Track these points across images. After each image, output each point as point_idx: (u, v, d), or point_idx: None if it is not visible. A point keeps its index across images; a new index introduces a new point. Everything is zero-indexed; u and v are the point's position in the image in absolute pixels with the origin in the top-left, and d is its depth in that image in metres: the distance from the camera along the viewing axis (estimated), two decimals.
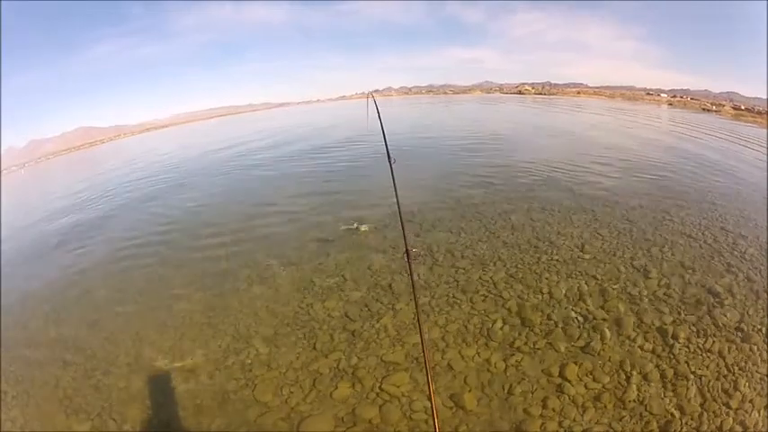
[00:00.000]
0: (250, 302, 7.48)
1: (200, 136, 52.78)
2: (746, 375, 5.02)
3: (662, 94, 64.28)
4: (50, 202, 21.76)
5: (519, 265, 7.77)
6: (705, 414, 4.55)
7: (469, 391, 5.05)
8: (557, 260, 7.86)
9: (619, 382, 5.02)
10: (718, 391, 4.81)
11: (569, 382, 5.06)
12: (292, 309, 7.10)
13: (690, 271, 7.29)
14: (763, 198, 11.16)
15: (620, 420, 4.54)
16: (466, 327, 6.17)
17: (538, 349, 5.64)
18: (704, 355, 5.37)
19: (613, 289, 6.84)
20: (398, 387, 5.19)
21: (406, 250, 2.77)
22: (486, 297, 6.87)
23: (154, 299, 8.15)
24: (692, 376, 5.04)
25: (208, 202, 15.14)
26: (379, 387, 5.21)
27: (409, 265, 2.72)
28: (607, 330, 5.87)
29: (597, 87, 79.71)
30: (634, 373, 5.13)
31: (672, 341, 5.60)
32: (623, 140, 20.99)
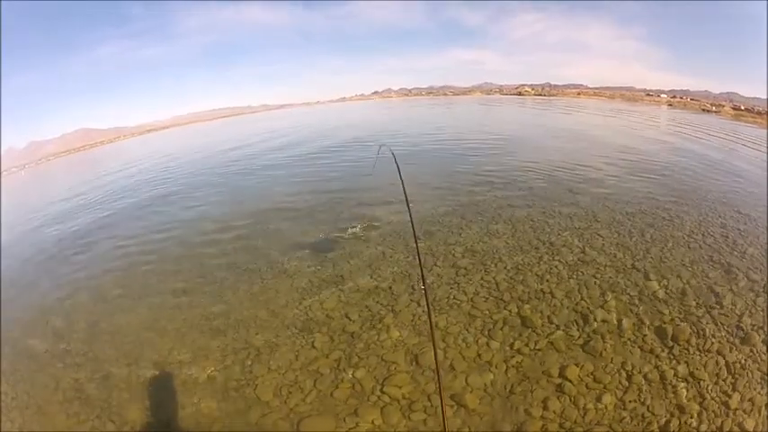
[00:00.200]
0: (251, 303, 7.48)
1: (202, 137, 52.91)
2: (746, 376, 5.02)
3: (662, 95, 64.41)
4: (51, 203, 21.76)
5: (520, 266, 7.77)
6: (705, 414, 4.56)
7: (471, 391, 5.05)
8: (558, 261, 7.86)
9: (620, 383, 5.02)
10: (717, 392, 4.81)
11: (570, 382, 5.06)
12: (292, 309, 7.09)
13: (690, 271, 7.28)
14: (763, 198, 11.16)
15: (621, 421, 4.54)
16: (467, 328, 6.17)
17: (539, 350, 5.63)
18: (704, 355, 5.37)
19: (614, 290, 6.84)
20: (400, 388, 5.19)
21: (422, 276, 2.77)
22: (488, 298, 6.87)
23: (155, 300, 8.14)
24: (691, 377, 5.04)
25: (208, 203, 15.12)
26: (381, 389, 5.21)
27: (425, 292, 2.72)
28: (608, 331, 5.87)
29: (597, 88, 79.98)
30: (635, 373, 5.13)
31: (671, 342, 5.60)
32: (629, 141, 21.07)
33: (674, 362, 5.28)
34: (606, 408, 4.71)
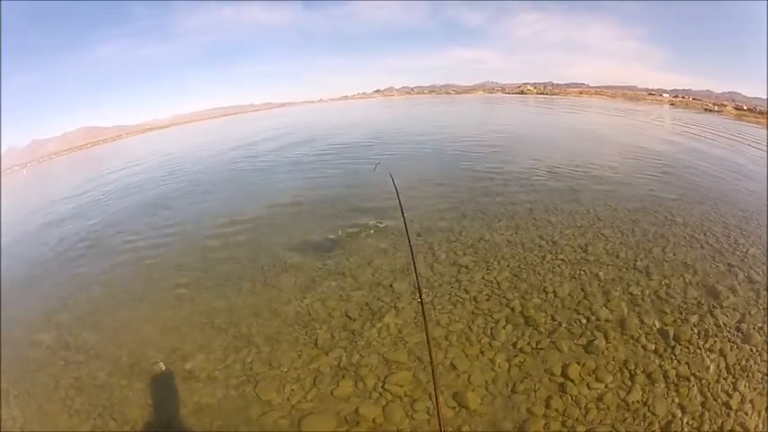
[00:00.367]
0: (252, 301, 7.48)
1: (203, 135, 52.93)
2: (747, 376, 5.01)
3: (664, 94, 64.34)
4: (53, 202, 21.78)
5: (522, 265, 7.76)
6: (707, 414, 4.54)
7: (473, 390, 5.04)
8: (561, 260, 7.85)
9: (622, 382, 5.01)
10: (718, 392, 4.80)
11: (572, 381, 5.05)
12: (294, 308, 7.09)
13: (691, 271, 7.27)
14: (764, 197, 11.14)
15: (624, 421, 4.53)
16: (469, 326, 6.15)
17: (541, 349, 5.62)
18: (705, 355, 5.35)
19: (616, 289, 6.82)
20: (401, 386, 5.18)
21: (418, 289, 2.76)
22: (490, 296, 6.85)
23: (157, 297, 8.16)
24: (693, 377, 5.03)
25: (210, 201, 15.14)
26: (382, 387, 5.20)
27: (422, 305, 2.72)
28: (610, 330, 5.85)
29: (599, 87, 79.84)
30: (637, 372, 5.11)
31: (674, 342, 5.59)
32: (635, 140, 21.14)
33: (676, 361, 5.27)
34: (608, 407, 4.69)
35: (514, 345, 5.73)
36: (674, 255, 7.84)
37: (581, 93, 74.37)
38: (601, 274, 7.31)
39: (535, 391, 4.97)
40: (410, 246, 2.93)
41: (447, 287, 7.22)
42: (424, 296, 6.88)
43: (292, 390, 5.31)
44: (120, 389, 5.76)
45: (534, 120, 35.10)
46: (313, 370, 5.60)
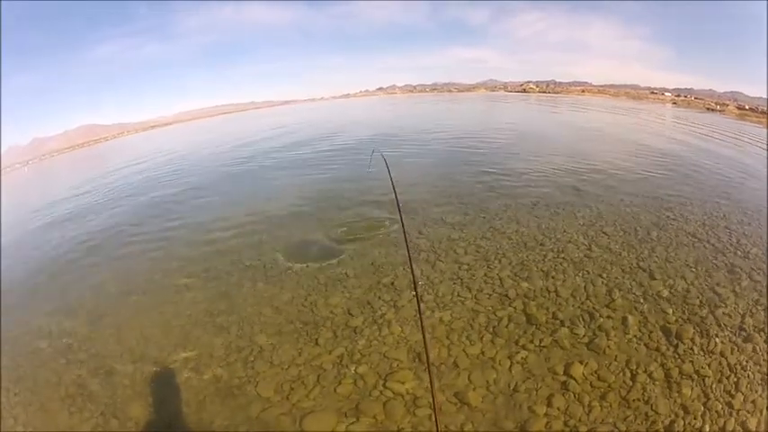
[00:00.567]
0: (254, 299, 7.47)
1: (205, 133, 52.94)
2: (748, 376, 5.01)
3: (666, 93, 64.26)
4: (54, 202, 21.78)
5: (525, 263, 7.75)
6: (708, 414, 4.54)
7: (474, 388, 5.03)
8: (563, 258, 7.83)
9: (624, 381, 5.00)
10: (720, 392, 4.80)
11: (575, 380, 5.04)
12: (296, 305, 7.08)
13: (693, 271, 7.26)
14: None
15: (625, 420, 4.52)
16: (471, 324, 6.15)
17: (543, 347, 5.61)
18: (707, 354, 5.35)
19: (619, 288, 6.81)
20: (403, 384, 5.18)
21: (414, 281, 2.75)
22: (492, 294, 6.85)
23: (159, 295, 8.16)
24: (695, 376, 5.02)
25: (212, 200, 15.16)
26: (383, 385, 5.20)
27: (417, 297, 2.71)
28: (613, 329, 5.84)
29: (601, 86, 79.67)
30: (639, 371, 5.10)
31: (676, 341, 5.58)
32: (640, 138, 21.31)
33: (679, 361, 5.26)
34: (611, 406, 4.69)
35: (516, 343, 5.72)
36: (677, 255, 7.83)
37: (583, 91, 74.30)
38: (603, 272, 7.30)
39: (537, 390, 4.96)
40: (406, 239, 2.91)
41: (449, 284, 7.21)
42: (424, 295, 6.89)
43: (293, 388, 5.30)
44: (121, 387, 5.75)
45: (538, 118, 35.08)
46: (315, 368, 5.59)
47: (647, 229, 8.92)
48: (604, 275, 7.21)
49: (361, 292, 7.28)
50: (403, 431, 4.59)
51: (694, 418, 4.49)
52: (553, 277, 7.23)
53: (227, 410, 5.11)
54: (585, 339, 5.70)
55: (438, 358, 5.49)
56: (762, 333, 5.67)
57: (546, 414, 4.65)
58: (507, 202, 10.95)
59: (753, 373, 5.05)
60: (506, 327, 6.05)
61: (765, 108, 41.78)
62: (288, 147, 25.72)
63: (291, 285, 7.76)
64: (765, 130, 27.51)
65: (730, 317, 6.02)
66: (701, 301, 6.39)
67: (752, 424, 4.40)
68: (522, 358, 5.45)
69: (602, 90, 74.13)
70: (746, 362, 5.21)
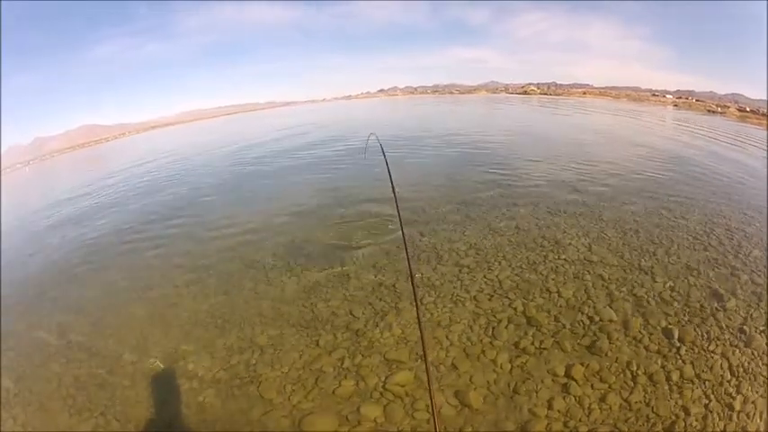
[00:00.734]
0: (256, 300, 7.48)
1: (207, 134, 52.95)
2: (749, 378, 4.99)
3: (667, 95, 64.17)
4: (54, 200, 21.82)
5: (525, 265, 7.74)
6: (709, 416, 4.53)
7: (474, 390, 5.03)
8: (564, 260, 7.83)
9: (625, 383, 4.99)
10: (721, 394, 4.78)
11: (575, 382, 5.03)
12: (297, 307, 7.08)
13: (695, 273, 7.24)
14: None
15: (626, 421, 4.51)
16: (471, 326, 6.14)
17: (544, 349, 5.60)
18: (708, 357, 5.33)
19: (620, 290, 6.80)
20: (402, 386, 5.17)
21: (411, 275, 2.76)
22: (492, 296, 6.84)
23: (159, 297, 8.15)
24: (696, 378, 5.01)
25: (214, 199, 15.18)
26: (383, 387, 5.19)
27: (414, 291, 2.71)
28: (614, 331, 5.83)
29: (602, 88, 79.63)
30: (640, 373, 5.09)
31: (677, 343, 5.57)
32: (643, 140, 21.28)
33: (680, 362, 5.25)
34: (611, 408, 4.68)
35: (516, 345, 5.71)
36: (678, 257, 7.82)
37: (585, 93, 74.29)
38: (604, 274, 7.29)
39: (537, 392, 4.96)
40: (403, 235, 2.91)
41: (449, 286, 7.21)
42: (425, 296, 6.89)
43: (294, 389, 5.30)
44: (122, 388, 5.75)
45: (540, 120, 35.06)
46: (315, 370, 5.59)
47: (648, 230, 8.91)
48: (605, 277, 7.20)
49: (363, 293, 7.27)
50: None
51: (695, 420, 4.48)
52: (553, 278, 7.22)
53: (227, 411, 5.11)
54: (586, 341, 5.70)
55: (437, 360, 5.49)
56: (763, 335, 5.66)
57: (546, 415, 4.64)
58: (508, 203, 10.94)
59: (754, 375, 5.03)
60: (507, 328, 6.04)
61: (766, 110, 41.76)
62: (289, 149, 25.71)
63: (292, 286, 7.76)
64: (766, 132, 27.47)
65: (731, 318, 6.01)
66: (702, 304, 6.38)
67: (752, 427, 4.40)
68: (522, 360, 5.44)
69: (604, 92, 74.10)
70: (747, 364, 5.19)
